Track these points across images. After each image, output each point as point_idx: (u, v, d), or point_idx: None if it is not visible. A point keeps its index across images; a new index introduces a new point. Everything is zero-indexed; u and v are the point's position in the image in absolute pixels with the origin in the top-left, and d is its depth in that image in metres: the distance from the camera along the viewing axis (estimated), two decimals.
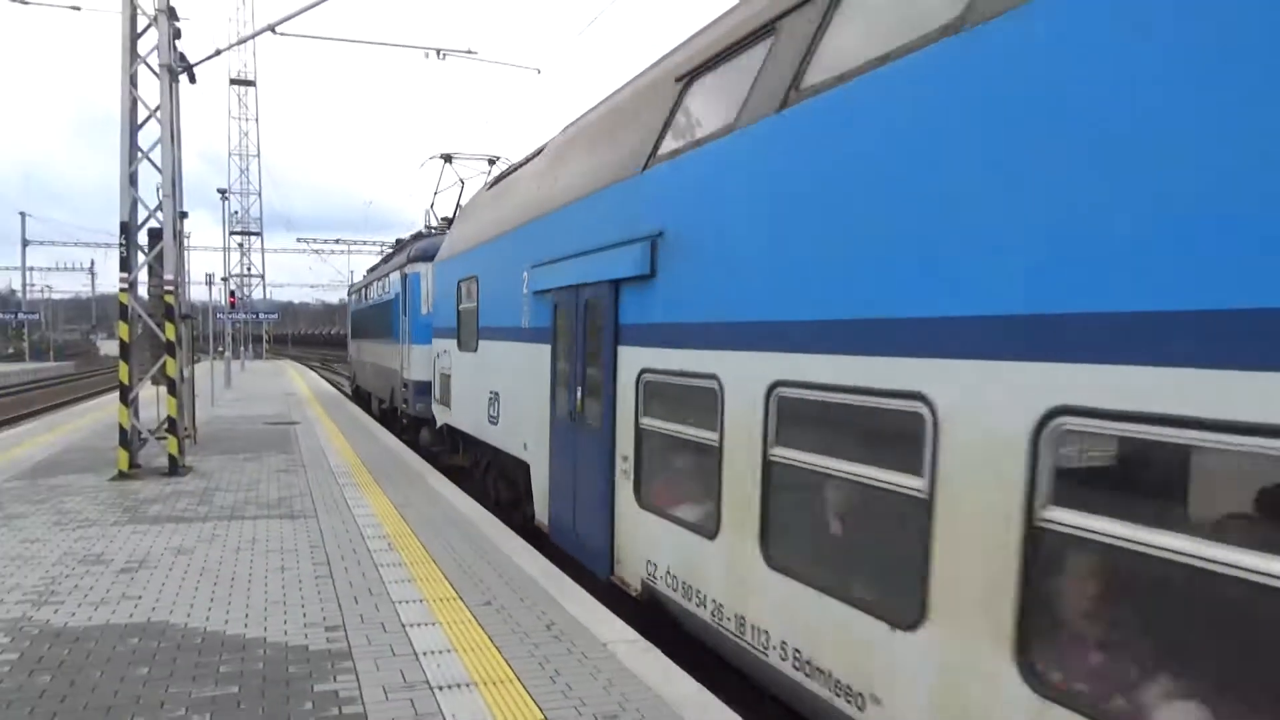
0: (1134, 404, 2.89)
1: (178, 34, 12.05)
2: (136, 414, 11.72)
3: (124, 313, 11.55)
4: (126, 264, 11.62)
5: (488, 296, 10.87)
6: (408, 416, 18.39)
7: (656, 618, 6.17)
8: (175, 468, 11.53)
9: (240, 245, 57.12)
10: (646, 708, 4.47)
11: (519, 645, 5.34)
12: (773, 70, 5.18)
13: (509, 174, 11.91)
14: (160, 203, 11.93)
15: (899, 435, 3.96)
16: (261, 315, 56.41)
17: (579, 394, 7.63)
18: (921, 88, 3.91)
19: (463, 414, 12.20)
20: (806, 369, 4.56)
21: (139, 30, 11.74)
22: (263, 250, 58.56)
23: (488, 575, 6.86)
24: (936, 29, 3.86)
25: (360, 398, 28.38)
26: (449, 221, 18.62)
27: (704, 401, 5.50)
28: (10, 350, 76.45)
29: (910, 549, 3.80)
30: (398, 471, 11.95)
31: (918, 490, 3.78)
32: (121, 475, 11.25)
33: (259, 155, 56.16)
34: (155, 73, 11.84)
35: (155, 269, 12.11)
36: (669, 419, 6.13)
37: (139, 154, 11.82)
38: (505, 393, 10.07)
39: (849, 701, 4.19)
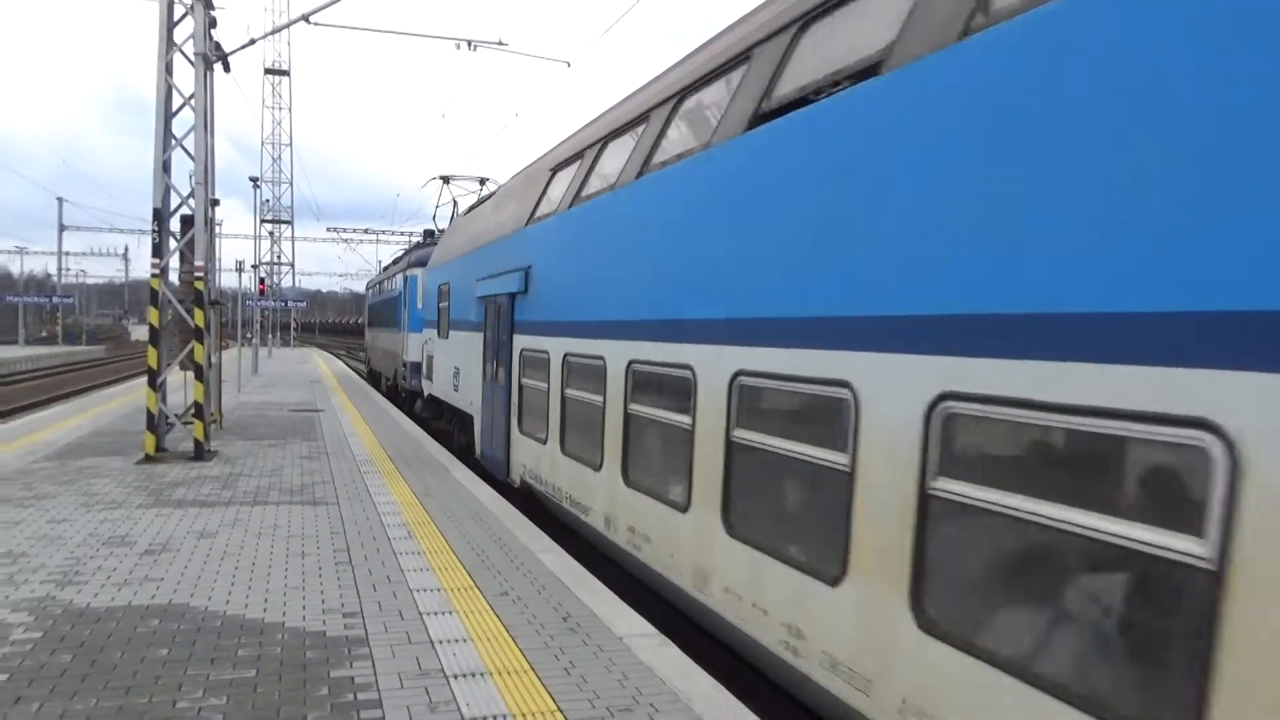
0: None
1: (213, 23, 12.17)
2: (164, 399, 11.86)
3: (154, 298, 11.69)
4: (159, 250, 11.75)
5: (454, 297, 14.71)
6: (406, 390, 22.49)
7: (530, 502, 9.87)
8: (201, 452, 11.67)
9: (271, 233, 57.69)
10: (661, 702, 4.46)
11: (534, 636, 5.35)
12: (576, 179, 8.97)
13: (476, 206, 16.07)
14: (193, 189, 12.07)
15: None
16: (290, 303, 56.97)
17: (495, 365, 11.43)
18: (616, 206, 7.50)
19: (439, 385, 16.30)
20: (577, 347, 8.20)
21: (176, 19, 11.87)
22: (293, 239, 59.22)
23: (505, 566, 6.87)
24: (619, 183, 7.59)
25: (373, 378, 32.17)
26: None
27: (543, 365, 9.27)
28: (44, 333, 77.70)
29: (594, 434, 7.77)
30: (420, 461, 12.02)
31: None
32: (148, 459, 11.40)
33: (291, 144, 56.58)
34: (190, 61, 11.96)
35: (186, 255, 12.25)
36: (531, 377, 9.82)
37: (173, 141, 11.95)
38: (462, 367, 13.94)
39: (583, 513, 8.01)
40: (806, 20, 5.22)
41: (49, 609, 5.57)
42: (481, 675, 4.73)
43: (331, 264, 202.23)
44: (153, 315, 11.71)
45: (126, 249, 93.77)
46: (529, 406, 9.99)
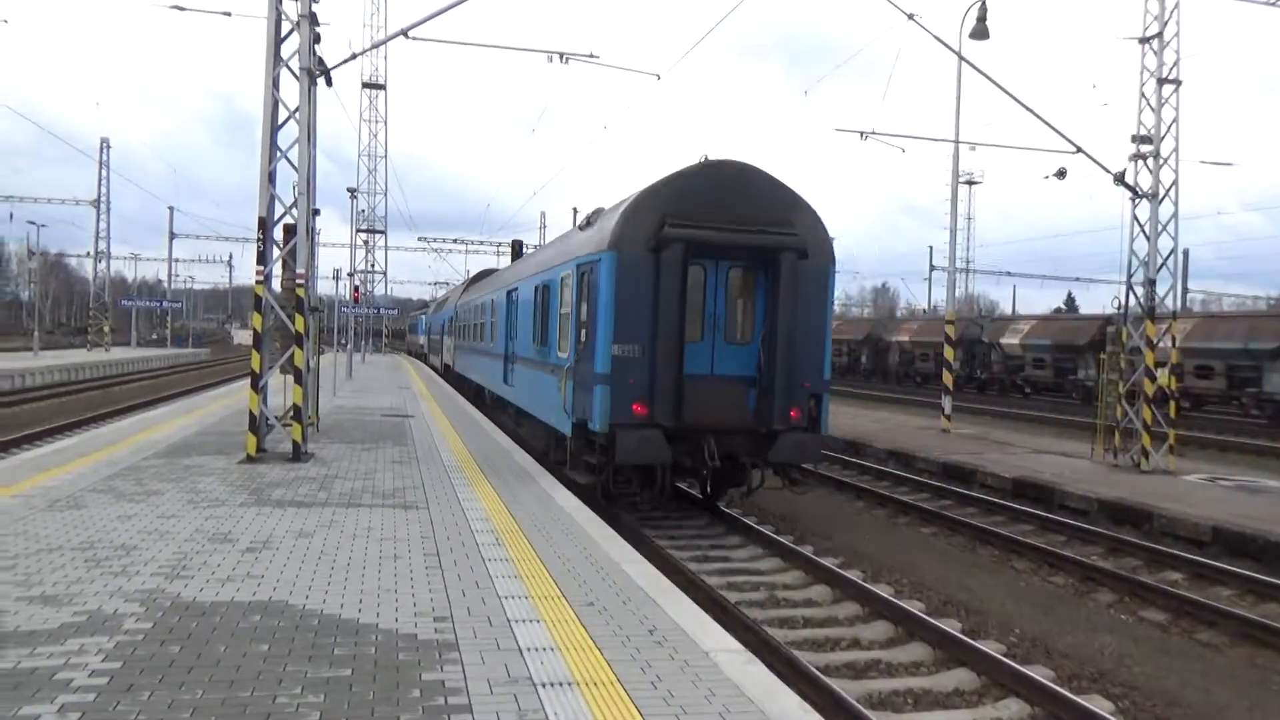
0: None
1: (317, 38, 12.64)
2: (265, 401, 12.32)
3: (258, 304, 12.17)
4: (263, 257, 12.24)
5: (429, 326, 51.85)
6: (418, 353, 60.77)
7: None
8: (298, 454, 12.07)
9: (365, 243, 59.43)
10: None
11: (621, 648, 5.35)
12: (473, 290, 29.96)
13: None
14: (295, 200, 12.53)
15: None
16: (382, 310, 58.53)
17: (452, 345, 34.50)
18: (473, 304, 28.31)
19: (424, 347, 56.65)
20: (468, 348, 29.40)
21: (282, 35, 12.37)
22: (386, 248, 60.76)
23: (591, 577, 6.91)
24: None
25: (410, 355, 67.14)
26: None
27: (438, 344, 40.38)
28: (154, 336, 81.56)
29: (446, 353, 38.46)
30: (508, 469, 12.19)
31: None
32: (249, 459, 11.85)
33: (386, 156, 58.11)
34: (295, 75, 12.43)
35: (289, 263, 12.73)
36: (450, 351, 35.13)
37: (278, 153, 12.44)
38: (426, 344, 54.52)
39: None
40: (468, 284, 34.33)
41: (159, 601, 5.83)
42: (569, 685, 4.75)
43: (422, 273, 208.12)
44: (256, 320, 12.20)
45: (231, 256, 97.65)
46: (457, 359, 30.43)
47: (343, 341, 40.33)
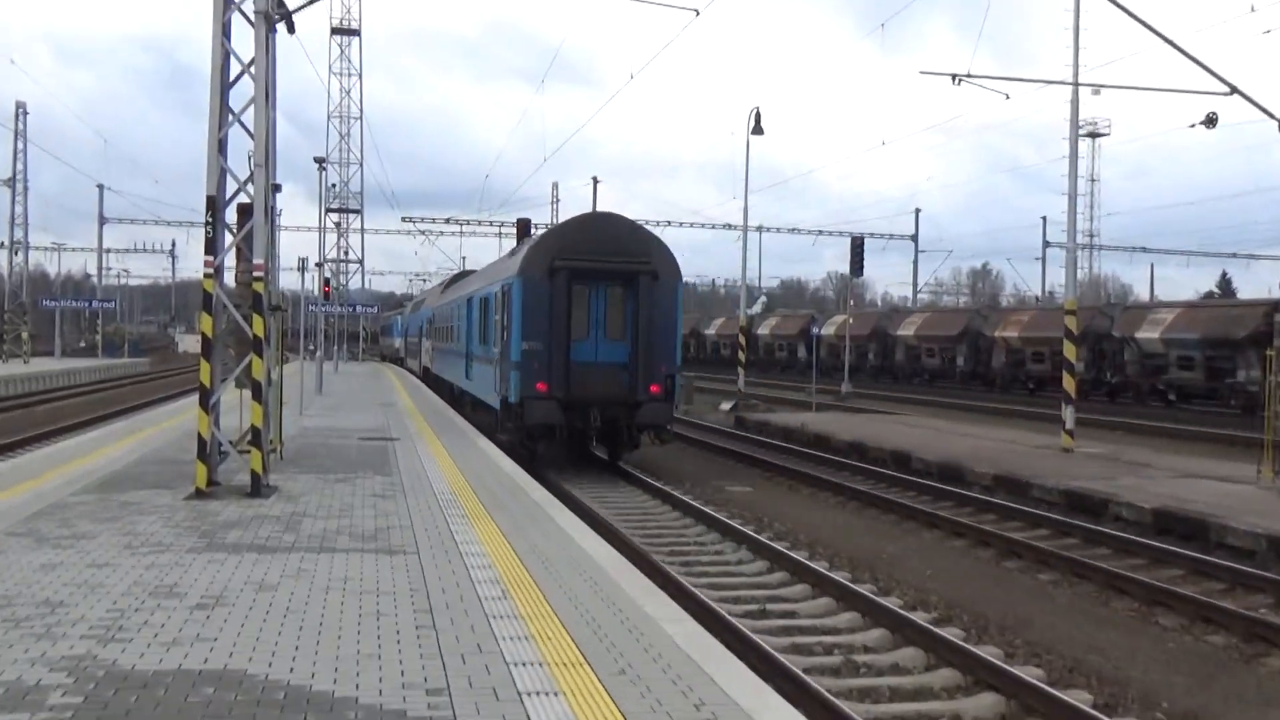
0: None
1: None
2: (217, 422, 12.42)
3: (207, 302, 12.24)
4: (212, 245, 12.32)
5: (406, 328, 61.98)
6: (393, 357, 69.51)
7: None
8: (258, 487, 12.16)
9: (337, 224, 60.11)
10: None
11: None
12: (448, 292, 39.67)
13: (425, 294, 60.77)
14: (251, 173, 12.59)
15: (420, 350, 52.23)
16: (359, 308, 59.10)
17: (430, 348, 44.01)
18: (443, 306, 39.04)
19: (399, 351, 67.30)
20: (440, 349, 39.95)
21: None
22: (362, 230, 61.41)
23: (622, 638, 6.88)
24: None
25: (385, 359, 72.95)
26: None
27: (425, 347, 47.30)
28: (82, 344, 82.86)
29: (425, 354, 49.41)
30: (515, 503, 12.22)
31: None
32: (199, 493, 11.96)
33: (361, 118, 58.66)
34: (250, 20, 12.52)
35: (243, 251, 12.82)
36: (428, 353, 44.73)
37: (230, 116, 12.53)
38: (403, 347, 64.48)
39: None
40: (446, 285, 44.83)
41: (90, 670, 5.89)
42: None
43: (407, 260, 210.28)
44: (205, 323, 12.28)
45: (174, 244, 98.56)
46: (432, 359, 41.35)
47: (311, 347, 40.72)
